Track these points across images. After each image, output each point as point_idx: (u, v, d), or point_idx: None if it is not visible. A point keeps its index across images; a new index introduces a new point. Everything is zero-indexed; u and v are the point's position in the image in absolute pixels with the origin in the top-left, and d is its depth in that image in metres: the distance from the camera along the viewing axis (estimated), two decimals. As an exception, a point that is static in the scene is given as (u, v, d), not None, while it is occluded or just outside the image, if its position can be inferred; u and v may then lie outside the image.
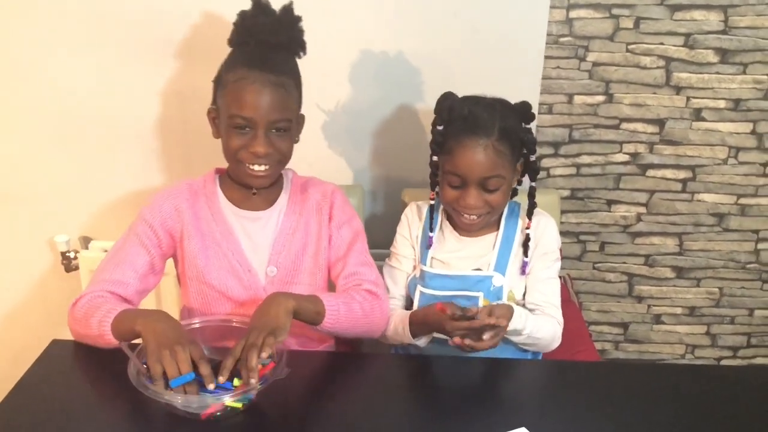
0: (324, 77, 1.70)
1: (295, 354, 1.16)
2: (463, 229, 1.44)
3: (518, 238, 1.44)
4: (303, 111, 1.38)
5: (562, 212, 1.88)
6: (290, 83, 1.31)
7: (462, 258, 1.43)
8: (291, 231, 1.40)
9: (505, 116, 1.34)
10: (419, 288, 1.44)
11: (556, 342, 1.39)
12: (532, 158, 1.39)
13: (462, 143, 1.32)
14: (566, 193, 1.92)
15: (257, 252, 1.39)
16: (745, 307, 2.07)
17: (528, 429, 1.07)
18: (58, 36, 1.69)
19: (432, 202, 1.47)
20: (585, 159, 1.89)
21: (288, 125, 1.32)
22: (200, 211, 1.39)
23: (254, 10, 1.33)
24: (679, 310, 2.08)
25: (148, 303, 1.60)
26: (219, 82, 1.33)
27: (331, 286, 1.46)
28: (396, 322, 1.38)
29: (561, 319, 1.41)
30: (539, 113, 1.81)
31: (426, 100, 1.76)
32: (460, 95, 1.36)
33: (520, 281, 1.42)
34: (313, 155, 1.73)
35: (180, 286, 1.47)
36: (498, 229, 1.44)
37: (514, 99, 1.38)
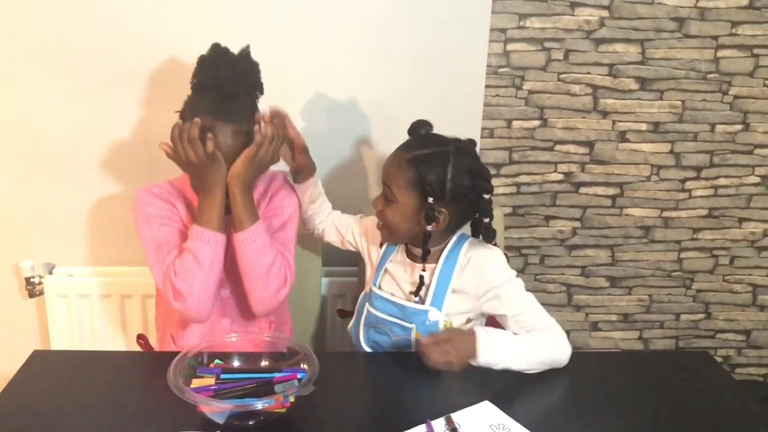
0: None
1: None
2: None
3: (456, 275, 1.38)
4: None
5: (506, 228, 1.99)
6: (250, 128, 1.37)
7: (404, 280, 1.43)
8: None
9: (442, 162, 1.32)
10: (367, 307, 1.47)
11: (564, 351, 1.30)
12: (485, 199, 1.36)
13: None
14: (508, 210, 2.03)
15: None
16: (672, 312, 2.20)
17: (491, 402, 1.14)
18: (27, 64, 1.71)
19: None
20: (524, 178, 2.01)
21: None
22: (182, 210, 1.45)
23: (213, 58, 1.37)
24: (614, 317, 2.20)
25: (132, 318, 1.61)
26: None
27: None
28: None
29: (553, 326, 1.32)
30: (482, 137, 1.94)
31: (380, 126, 1.86)
32: (409, 122, 1.42)
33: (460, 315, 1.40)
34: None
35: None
36: (438, 262, 1.39)
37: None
